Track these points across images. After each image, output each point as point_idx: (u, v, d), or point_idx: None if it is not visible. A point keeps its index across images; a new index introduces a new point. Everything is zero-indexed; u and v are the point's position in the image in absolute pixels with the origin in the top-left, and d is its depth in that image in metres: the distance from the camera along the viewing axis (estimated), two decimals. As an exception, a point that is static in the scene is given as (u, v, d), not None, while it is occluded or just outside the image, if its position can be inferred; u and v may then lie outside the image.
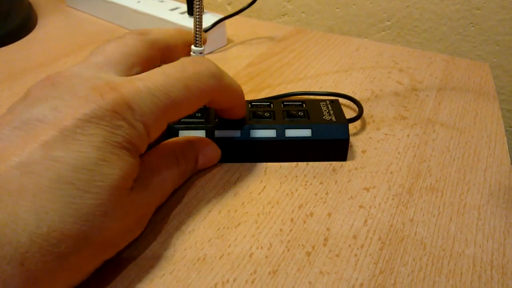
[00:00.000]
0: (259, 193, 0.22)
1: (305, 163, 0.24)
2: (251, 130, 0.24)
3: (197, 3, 0.22)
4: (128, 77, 0.17)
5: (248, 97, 0.31)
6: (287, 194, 0.22)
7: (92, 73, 0.17)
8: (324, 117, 0.25)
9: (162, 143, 0.22)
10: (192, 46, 0.24)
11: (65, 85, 0.16)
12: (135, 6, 0.41)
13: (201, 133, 0.24)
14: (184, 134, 0.24)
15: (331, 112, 0.25)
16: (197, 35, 0.24)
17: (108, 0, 0.43)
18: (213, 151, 0.23)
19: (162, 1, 0.42)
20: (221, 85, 0.19)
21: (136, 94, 0.16)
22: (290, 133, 0.24)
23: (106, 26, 0.43)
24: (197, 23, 0.23)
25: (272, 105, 0.26)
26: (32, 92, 0.16)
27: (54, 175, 0.14)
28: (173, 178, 0.20)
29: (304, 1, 0.48)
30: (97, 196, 0.14)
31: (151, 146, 0.20)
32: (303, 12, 0.49)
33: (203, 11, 0.24)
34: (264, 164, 0.24)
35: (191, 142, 0.22)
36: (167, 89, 0.17)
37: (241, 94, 0.22)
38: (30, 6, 0.46)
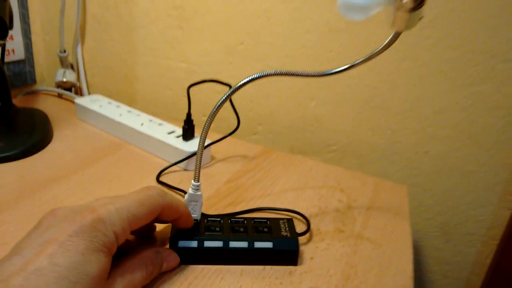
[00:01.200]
0: (237, 291, 0.31)
1: (270, 266, 0.34)
2: (230, 242, 0.33)
3: (199, 157, 0.33)
4: (102, 201, 0.27)
5: (227, 210, 0.41)
6: (257, 292, 0.31)
7: (80, 205, 0.27)
8: (281, 232, 0.35)
9: (136, 251, 0.30)
10: (192, 181, 0.34)
11: (62, 214, 0.26)
12: (139, 128, 0.52)
13: (194, 243, 0.33)
14: (182, 244, 0.33)
15: (287, 228, 0.35)
16: (196, 173, 0.34)
17: (116, 120, 0.54)
18: (174, 259, 0.32)
19: (161, 124, 0.53)
20: (166, 200, 0.29)
21: (107, 213, 0.26)
22: (258, 244, 0.33)
23: (113, 141, 0.54)
24: (197, 164, 0.34)
25: (245, 221, 0.36)
26: (42, 222, 0.26)
27: (57, 275, 0.22)
28: (142, 278, 0.29)
29: (271, 125, 0.62)
30: (84, 285, 0.23)
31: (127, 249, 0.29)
32: (270, 133, 0.62)
33: (201, 157, 0.35)
34: (240, 267, 0.33)
35: (158, 251, 0.31)
36: (128, 207, 0.27)
37: (182, 207, 0.31)
38: (48, 120, 0.56)
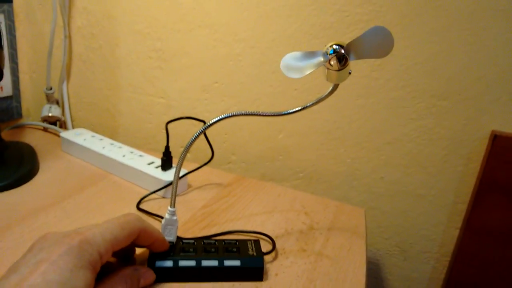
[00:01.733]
0: (208, 304, 0.35)
1: (238, 283, 0.38)
2: (202, 261, 0.38)
3: (174, 186, 0.38)
4: (88, 226, 0.31)
5: (202, 233, 0.46)
6: (225, 304, 0.35)
7: (68, 230, 0.31)
8: (249, 252, 0.39)
9: (117, 269, 0.34)
10: (168, 207, 0.39)
11: (52, 238, 0.30)
12: (120, 159, 0.56)
13: (170, 263, 0.37)
14: (159, 263, 0.37)
15: (254, 248, 0.40)
16: (172, 200, 0.39)
17: (99, 152, 0.58)
18: (150, 275, 0.36)
19: (141, 156, 0.58)
20: (143, 225, 0.34)
21: (92, 235, 0.30)
22: (227, 263, 0.38)
23: (95, 172, 0.58)
24: (173, 192, 0.38)
25: (216, 243, 0.40)
26: (35, 245, 0.30)
27: None
28: None
29: (244, 155, 0.67)
30: None
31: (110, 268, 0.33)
32: (243, 162, 0.67)
33: (176, 192, 0.40)
34: (212, 283, 0.38)
35: (136, 269, 0.35)
36: (111, 231, 0.31)
37: (157, 232, 0.36)
38: (34, 152, 0.59)
